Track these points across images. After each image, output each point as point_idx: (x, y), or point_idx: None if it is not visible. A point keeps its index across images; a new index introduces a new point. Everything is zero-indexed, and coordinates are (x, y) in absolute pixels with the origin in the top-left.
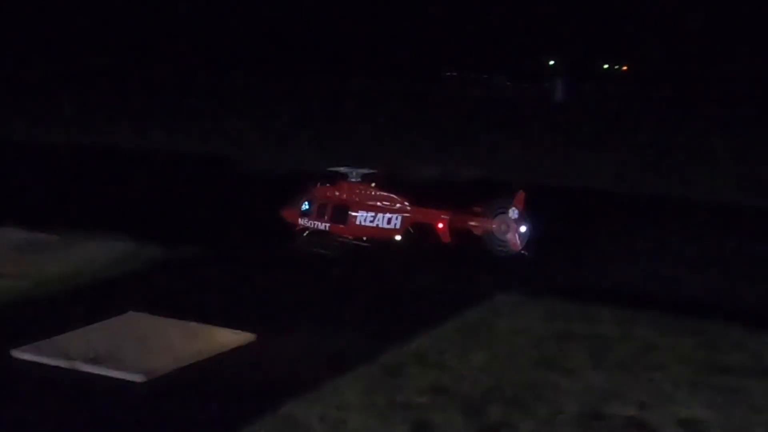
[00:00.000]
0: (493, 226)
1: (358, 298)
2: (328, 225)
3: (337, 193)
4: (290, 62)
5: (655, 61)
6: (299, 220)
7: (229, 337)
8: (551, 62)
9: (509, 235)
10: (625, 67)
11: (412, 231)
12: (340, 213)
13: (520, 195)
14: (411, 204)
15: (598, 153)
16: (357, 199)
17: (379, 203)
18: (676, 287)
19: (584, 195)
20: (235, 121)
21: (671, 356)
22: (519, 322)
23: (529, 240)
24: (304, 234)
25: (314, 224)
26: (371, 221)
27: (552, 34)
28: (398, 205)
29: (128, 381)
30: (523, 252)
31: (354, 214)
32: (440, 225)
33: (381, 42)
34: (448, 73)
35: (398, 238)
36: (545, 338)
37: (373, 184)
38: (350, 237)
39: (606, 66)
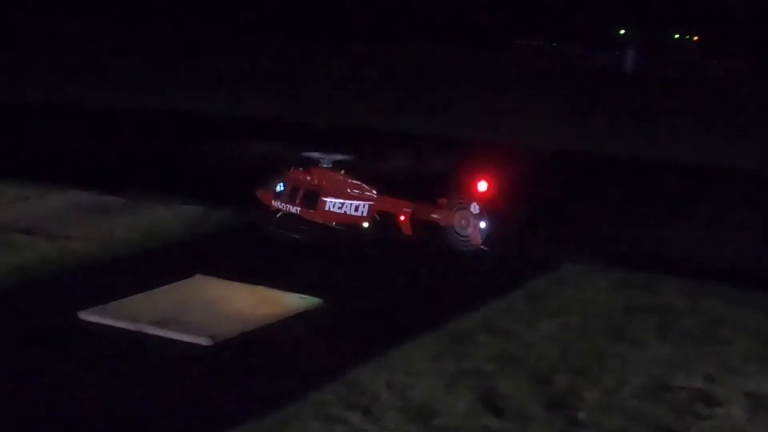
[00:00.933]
0: (454, 220)
1: (426, 265)
2: (298, 209)
3: (309, 178)
4: (356, 30)
5: (729, 32)
6: (273, 201)
7: (296, 302)
8: (621, 31)
9: (469, 230)
10: (696, 38)
11: (378, 219)
12: (310, 198)
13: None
14: (378, 192)
15: (666, 124)
16: (327, 186)
17: (348, 190)
18: (743, 260)
19: (649, 167)
20: (308, 85)
21: (739, 330)
22: (586, 292)
23: (489, 236)
24: (277, 215)
25: (286, 207)
26: (339, 208)
27: (623, 2)
28: (366, 193)
29: (194, 344)
30: (483, 247)
31: (323, 199)
32: (402, 217)
33: (451, 8)
34: (518, 41)
35: (365, 225)
36: (612, 308)
37: (342, 172)
38: (320, 221)
39: (677, 36)
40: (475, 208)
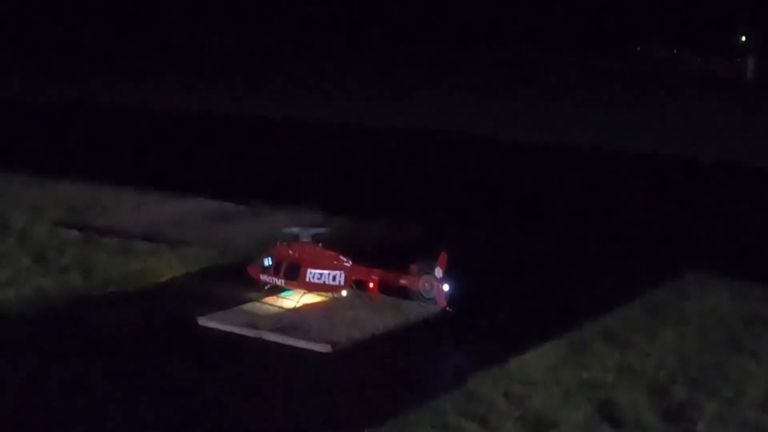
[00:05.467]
0: (419, 284)
1: (544, 272)
2: (282, 281)
3: (290, 252)
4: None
5: None
6: (260, 275)
7: (415, 309)
8: (743, 38)
9: (434, 293)
10: None
11: (354, 287)
12: (293, 270)
13: (443, 256)
14: (351, 262)
15: None
16: (307, 258)
17: (326, 261)
18: None
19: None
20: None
21: None
22: (706, 302)
23: (453, 298)
24: (265, 288)
25: (272, 279)
26: (319, 278)
27: (745, 7)
28: (342, 263)
29: (314, 351)
30: (448, 309)
31: (304, 271)
32: (371, 284)
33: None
34: (638, 48)
35: (344, 293)
36: (732, 319)
37: (320, 244)
38: (303, 291)
39: None
40: (438, 272)
